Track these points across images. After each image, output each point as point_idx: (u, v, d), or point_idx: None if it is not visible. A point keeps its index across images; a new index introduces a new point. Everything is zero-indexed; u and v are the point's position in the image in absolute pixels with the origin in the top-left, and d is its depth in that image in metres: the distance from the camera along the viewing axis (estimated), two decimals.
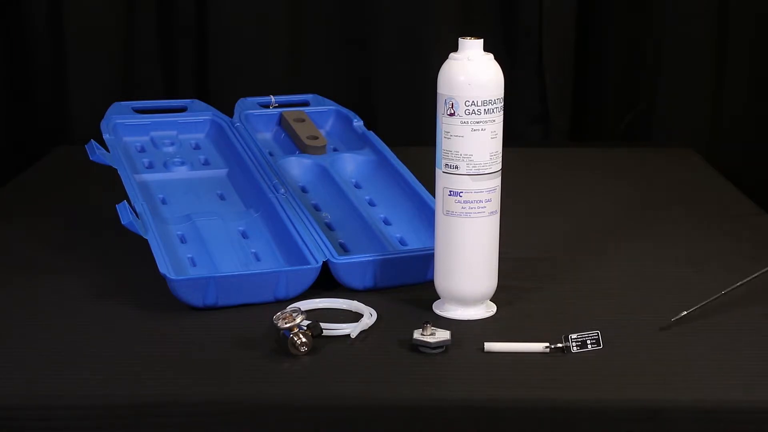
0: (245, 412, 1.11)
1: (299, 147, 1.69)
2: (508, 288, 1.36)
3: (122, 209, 1.38)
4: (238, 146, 1.65)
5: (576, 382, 1.15)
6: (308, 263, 1.36)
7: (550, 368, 1.18)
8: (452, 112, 1.25)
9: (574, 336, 1.21)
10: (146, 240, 1.37)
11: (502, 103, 1.27)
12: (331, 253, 1.38)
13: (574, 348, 1.21)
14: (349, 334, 1.24)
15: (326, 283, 1.37)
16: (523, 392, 1.13)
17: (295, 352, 1.20)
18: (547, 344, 1.21)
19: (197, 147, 1.72)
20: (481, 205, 1.27)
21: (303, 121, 1.75)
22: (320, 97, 1.85)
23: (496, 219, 1.30)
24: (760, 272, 1.33)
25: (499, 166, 1.28)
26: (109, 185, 1.58)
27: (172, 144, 1.71)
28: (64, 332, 1.26)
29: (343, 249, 1.46)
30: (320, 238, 1.41)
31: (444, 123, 1.26)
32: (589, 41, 2.27)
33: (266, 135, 1.77)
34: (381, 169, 1.63)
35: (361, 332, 1.25)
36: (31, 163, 2.01)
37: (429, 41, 2.21)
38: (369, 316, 1.28)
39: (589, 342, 1.21)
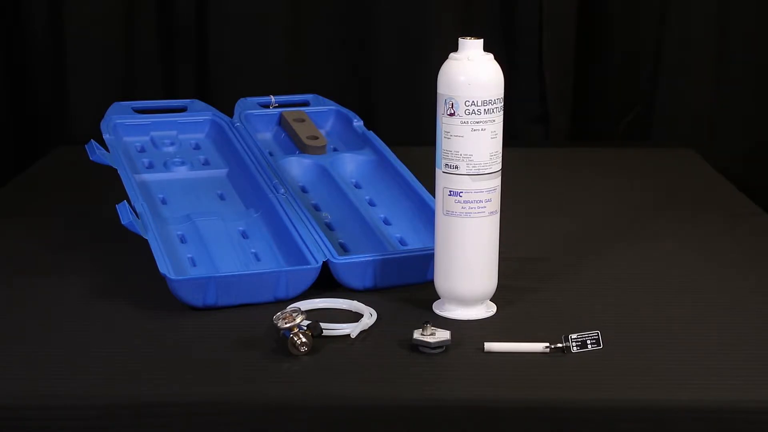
0: (245, 412, 1.11)
1: (299, 147, 1.69)
2: (508, 288, 1.36)
3: (122, 209, 1.38)
4: (238, 146, 1.65)
5: (576, 382, 1.15)
6: (308, 263, 1.36)
7: (550, 368, 1.18)
8: (452, 112, 1.25)
9: (574, 336, 1.21)
10: (146, 240, 1.37)
11: (502, 103, 1.27)
12: (331, 253, 1.38)
13: (574, 348, 1.20)
14: (349, 334, 1.24)
15: (326, 283, 1.36)
16: (523, 392, 1.13)
17: (295, 352, 1.20)
18: (547, 344, 1.21)
19: (197, 147, 1.72)
20: (481, 205, 1.27)
21: (303, 121, 1.75)
22: (320, 97, 1.85)
23: (496, 219, 1.30)
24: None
25: (499, 166, 1.28)
26: (109, 185, 1.58)
27: (172, 144, 1.71)
28: (64, 332, 1.26)
29: (343, 249, 1.46)
30: (320, 238, 1.41)
31: (444, 123, 1.26)
32: (589, 41, 2.27)
33: (266, 135, 1.77)
34: (381, 169, 1.63)
35: (361, 332, 1.25)
36: (31, 163, 2.01)
37: (429, 41, 2.21)
38: (369, 316, 1.28)
39: (589, 342, 1.21)
